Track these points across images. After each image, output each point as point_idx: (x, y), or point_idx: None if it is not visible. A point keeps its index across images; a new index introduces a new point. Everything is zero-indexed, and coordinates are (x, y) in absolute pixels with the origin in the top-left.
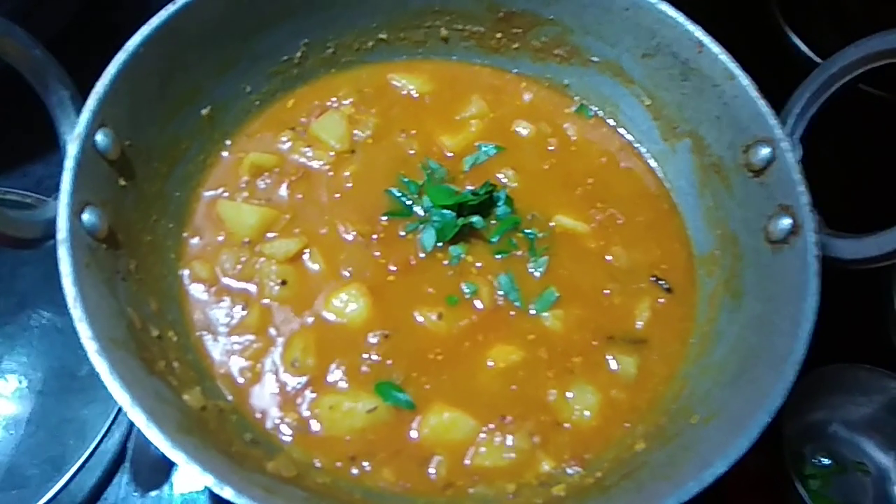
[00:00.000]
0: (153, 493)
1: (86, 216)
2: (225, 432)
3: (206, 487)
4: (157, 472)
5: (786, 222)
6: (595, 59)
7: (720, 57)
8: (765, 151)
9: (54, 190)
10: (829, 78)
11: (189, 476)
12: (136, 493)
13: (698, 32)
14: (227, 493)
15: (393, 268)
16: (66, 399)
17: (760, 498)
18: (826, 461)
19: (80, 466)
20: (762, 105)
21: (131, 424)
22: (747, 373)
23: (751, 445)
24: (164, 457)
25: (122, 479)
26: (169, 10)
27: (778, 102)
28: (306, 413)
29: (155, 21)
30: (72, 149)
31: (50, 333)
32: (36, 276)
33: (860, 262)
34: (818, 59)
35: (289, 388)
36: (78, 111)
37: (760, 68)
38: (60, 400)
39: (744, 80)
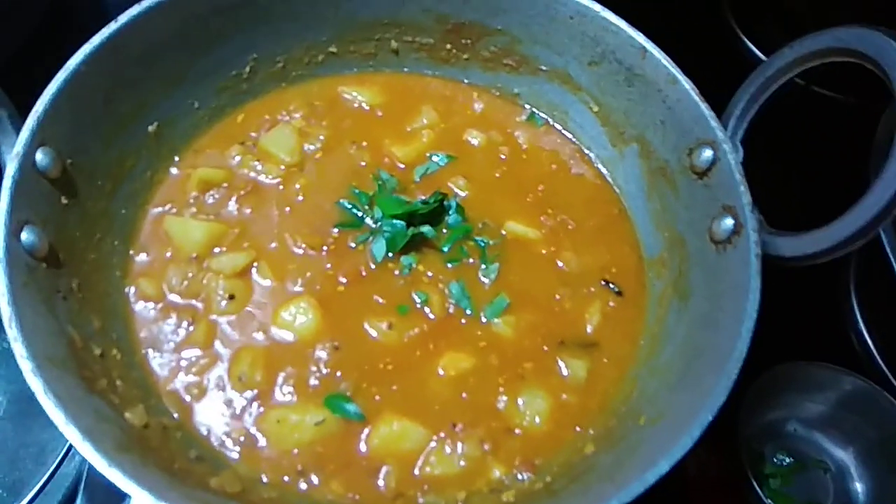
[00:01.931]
0: None
1: (24, 235)
2: (167, 450)
3: None
4: (111, 495)
5: (728, 222)
6: (543, 67)
7: (663, 62)
8: (707, 153)
9: None
10: (767, 80)
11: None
12: None
13: (641, 38)
14: None
15: (343, 279)
16: (26, 423)
17: (722, 499)
18: (786, 459)
19: (39, 491)
20: (704, 108)
21: None
22: (692, 372)
23: (694, 444)
24: None
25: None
26: (111, 27)
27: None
28: (253, 428)
29: (96, 39)
30: (10, 168)
31: (11, 358)
32: None
33: (800, 259)
34: None
35: (235, 404)
36: (18, 130)
37: (712, 72)
38: (19, 424)
39: (686, 83)
